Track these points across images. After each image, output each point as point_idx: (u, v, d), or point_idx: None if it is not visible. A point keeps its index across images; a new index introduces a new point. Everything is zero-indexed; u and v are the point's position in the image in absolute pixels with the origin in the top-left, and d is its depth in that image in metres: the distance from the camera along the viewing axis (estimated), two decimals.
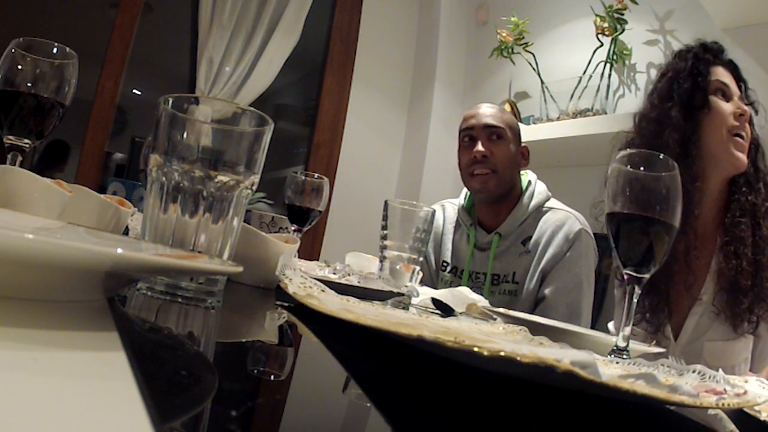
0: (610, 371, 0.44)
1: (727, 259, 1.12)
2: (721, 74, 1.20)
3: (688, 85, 1.18)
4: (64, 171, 2.98)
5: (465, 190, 1.63)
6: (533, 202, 1.49)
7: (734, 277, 1.10)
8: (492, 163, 1.47)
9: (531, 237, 1.46)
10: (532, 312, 1.36)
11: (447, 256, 1.62)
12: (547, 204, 1.50)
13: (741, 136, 1.15)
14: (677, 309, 1.18)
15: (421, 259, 0.95)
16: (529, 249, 1.45)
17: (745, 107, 1.17)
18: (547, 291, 1.40)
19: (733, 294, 1.11)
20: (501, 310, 0.88)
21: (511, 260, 1.48)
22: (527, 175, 1.57)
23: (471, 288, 1.38)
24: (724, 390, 0.37)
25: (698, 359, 1.13)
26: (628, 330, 0.63)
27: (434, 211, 0.98)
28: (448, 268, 1.61)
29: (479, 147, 1.47)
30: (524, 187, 1.53)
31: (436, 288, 1.35)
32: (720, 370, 0.42)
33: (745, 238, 1.12)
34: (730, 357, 1.13)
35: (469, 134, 1.52)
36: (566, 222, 1.44)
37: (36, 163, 2.83)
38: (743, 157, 1.16)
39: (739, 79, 1.23)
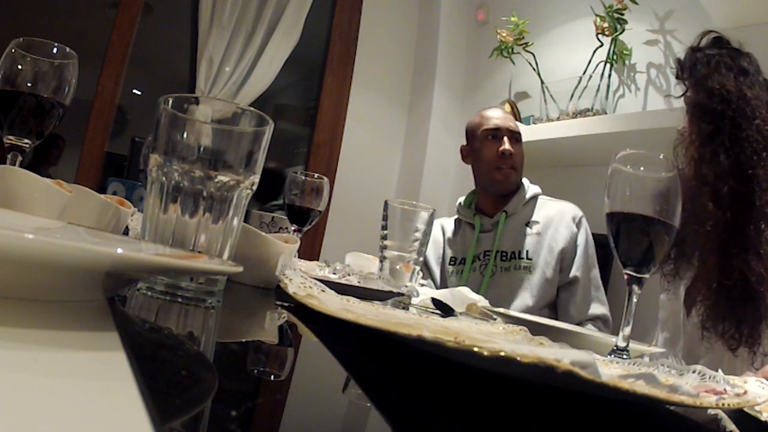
0: (610, 371, 0.44)
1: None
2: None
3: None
4: (57, 164, 2.95)
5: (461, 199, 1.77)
6: (530, 193, 1.69)
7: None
8: (514, 161, 1.66)
9: (535, 221, 1.63)
10: (546, 290, 1.54)
11: (451, 253, 1.73)
12: (541, 197, 1.70)
13: None
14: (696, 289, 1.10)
15: (421, 259, 0.95)
16: (539, 231, 1.61)
17: None
18: (578, 273, 1.55)
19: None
20: (501, 310, 0.88)
21: (519, 239, 1.62)
22: None
23: (478, 267, 1.63)
24: (724, 390, 0.37)
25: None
26: (628, 330, 0.63)
27: (434, 210, 0.98)
28: (455, 262, 1.71)
29: (506, 146, 1.65)
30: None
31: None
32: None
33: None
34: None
35: (494, 133, 1.68)
36: (567, 206, 1.64)
37: (30, 160, 2.81)
38: None
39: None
